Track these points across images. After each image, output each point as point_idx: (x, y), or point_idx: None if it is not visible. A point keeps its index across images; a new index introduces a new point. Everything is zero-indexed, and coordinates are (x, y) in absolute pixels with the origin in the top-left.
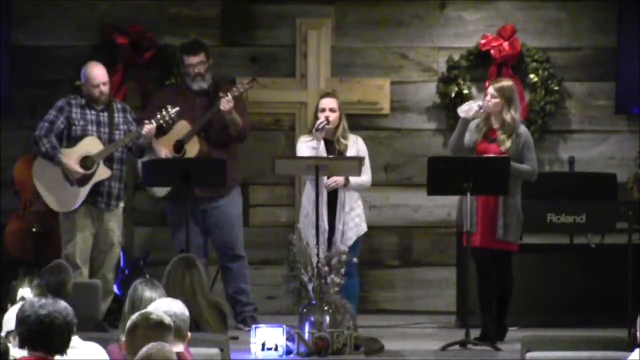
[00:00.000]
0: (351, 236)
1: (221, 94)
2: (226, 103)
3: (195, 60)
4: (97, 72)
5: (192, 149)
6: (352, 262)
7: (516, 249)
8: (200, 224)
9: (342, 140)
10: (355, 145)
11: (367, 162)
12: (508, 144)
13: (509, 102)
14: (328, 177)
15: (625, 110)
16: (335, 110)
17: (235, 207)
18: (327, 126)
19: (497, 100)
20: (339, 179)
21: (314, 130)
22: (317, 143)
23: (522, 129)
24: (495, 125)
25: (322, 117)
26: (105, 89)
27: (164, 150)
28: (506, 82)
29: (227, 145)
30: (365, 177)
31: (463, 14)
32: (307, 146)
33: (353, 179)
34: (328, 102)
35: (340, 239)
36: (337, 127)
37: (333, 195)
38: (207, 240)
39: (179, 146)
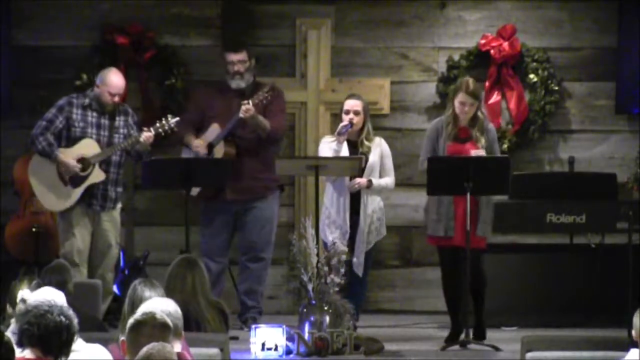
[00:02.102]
0: (371, 240)
1: (242, 102)
2: (245, 111)
3: (236, 58)
4: (118, 82)
5: (219, 152)
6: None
7: (484, 245)
8: (230, 226)
9: (366, 143)
10: (379, 148)
11: (390, 164)
12: (483, 140)
13: (480, 101)
14: (351, 179)
15: (625, 110)
16: (359, 112)
17: (269, 210)
18: (350, 129)
19: (474, 105)
20: (362, 181)
21: (336, 133)
22: (340, 145)
23: (490, 124)
24: (464, 123)
25: (346, 119)
26: (118, 99)
27: (200, 148)
28: (473, 84)
29: (260, 148)
30: (389, 179)
31: (463, 14)
32: (329, 147)
33: (376, 181)
34: (352, 104)
35: (364, 240)
36: (361, 129)
37: (355, 197)
38: (231, 242)
39: (209, 148)
